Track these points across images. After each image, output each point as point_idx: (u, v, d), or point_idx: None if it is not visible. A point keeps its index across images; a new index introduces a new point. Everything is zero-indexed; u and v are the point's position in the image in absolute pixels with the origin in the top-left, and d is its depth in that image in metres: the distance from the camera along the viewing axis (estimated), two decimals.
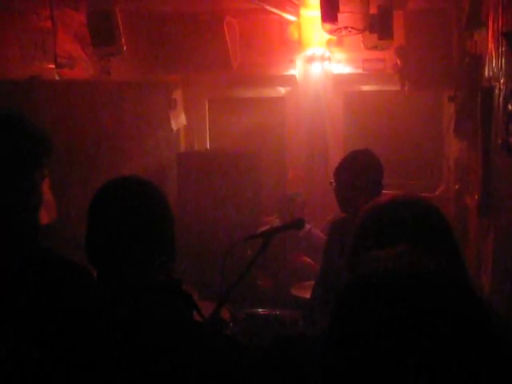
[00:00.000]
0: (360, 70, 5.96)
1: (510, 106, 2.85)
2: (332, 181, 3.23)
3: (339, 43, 5.96)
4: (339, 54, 6.04)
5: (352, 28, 4.24)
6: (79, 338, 1.58)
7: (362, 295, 1.01)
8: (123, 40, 4.61)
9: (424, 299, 0.97)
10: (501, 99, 3.25)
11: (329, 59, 6.01)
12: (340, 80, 6.09)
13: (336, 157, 5.62)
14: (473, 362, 0.95)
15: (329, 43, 5.96)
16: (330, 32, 4.38)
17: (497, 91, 3.42)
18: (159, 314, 1.61)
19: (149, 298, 1.63)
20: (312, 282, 3.90)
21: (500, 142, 3.06)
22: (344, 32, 4.22)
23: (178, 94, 6.24)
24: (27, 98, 4.19)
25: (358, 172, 3.13)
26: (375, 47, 4.73)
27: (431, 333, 0.94)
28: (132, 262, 1.69)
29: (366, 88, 6.16)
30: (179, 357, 1.55)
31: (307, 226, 5.00)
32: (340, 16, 4.02)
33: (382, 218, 1.52)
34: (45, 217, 3.88)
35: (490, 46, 3.65)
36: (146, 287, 1.65)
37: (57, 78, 4.69)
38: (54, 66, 4.66)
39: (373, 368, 0.96)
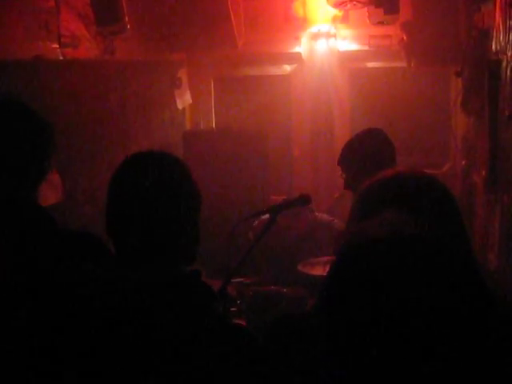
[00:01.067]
0: (366, 47, 5.90)
1: None
2: (341, 173, 3.18)
3: (345, 20, 5.90)
4: (345, 31, 5.98)
5: (357, 1, 4.18)
6: (92, 329, 1.54)
7: (354, 262, 1.01)
8: (127, 18, 4.57)
9: (408, 262, 0.96)
10: (508, 72, 3.21)
11: (334, 36, 5.94)
12: (346, 57, 6.03)
13: (342, 134, 5.63)
14: (466, 322, 0.94)
15: (334, 20, 5.89)
16: (335, 5, 4.33)
17: (504, 64, 3.38)
18: (177, 308, 1.56)
19: (168, 291, 1.58)
20: (319, 259, 3.91)
21: (507, 114, 3.03)
22: (349, 5, 4.17)
23: (183, 73, 6.20)
24: (31, 77, 4.17)
25: (366, 156, 3.06)
26: (381, 22, 4.68)
27: (423, 295, 0.93)
28: (153, 243, 1.63)
29: (372, 65, 6.10)
30: (195, 352, 1.51)
31: (310, 206, 4.96)
32: None
33: (381, 190, 1.51)
34: (52, 197, 3.88)
35: (498, 18, 3.60)
36: (165, 279, 1.60)
37: (60, 57, 4.67)
38: (57, 46, 4.63)
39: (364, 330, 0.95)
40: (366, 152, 3.09)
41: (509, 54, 3.26)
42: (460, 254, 1.01)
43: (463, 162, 5.05)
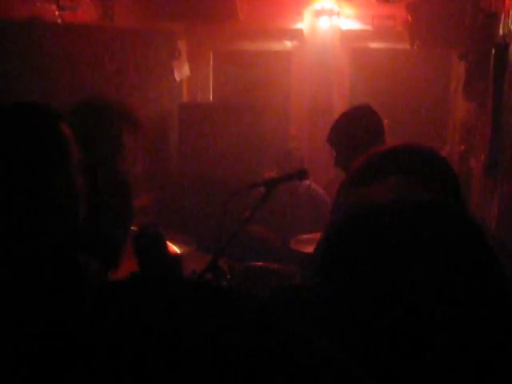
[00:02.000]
0: (369, 27, 5.83)
1: None
2: (332, 151, 3.14)
3: None
4: (348, 10, 5.90)
5: None
6: None
7: (356, 229, 0.95)
8: None
9: (418, 228, 0.91)
10: None
11: (338, 14, 5.86)
12: (348, 36, 5.96)
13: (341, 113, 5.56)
14: (472, 285, 0.89)
15: None
16: None
17: None
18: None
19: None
20: (311, 236, 3.87)
21: None
22: None
23: (182, 44, 6.11)
24: (27, 38, 4.09)
25: (357, 131, 3.03)
26: (387, 1, 4.61)
27: (430, 261, 0.88)
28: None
29: (374, 45, 6.03)
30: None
31: (306, 182, 4.93)
32: None
33: (384, 160, 1.46)
34: None
35: (508, 2, 3.54)
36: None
37: (58, 20, 4.58)
38: (55, 8, 4.54)
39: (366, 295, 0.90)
40: (354, 128, 3.04)
41: None
42: (469, 221, 0.95)
43: (461, 147, 5.00)
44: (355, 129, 3.03)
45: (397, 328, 0.89)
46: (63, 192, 1.42)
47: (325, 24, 5.92)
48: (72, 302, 1.31)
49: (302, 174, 3.01)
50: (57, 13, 4.56)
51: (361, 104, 3.25)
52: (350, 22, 5.92)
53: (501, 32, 3.74)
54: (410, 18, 5.10)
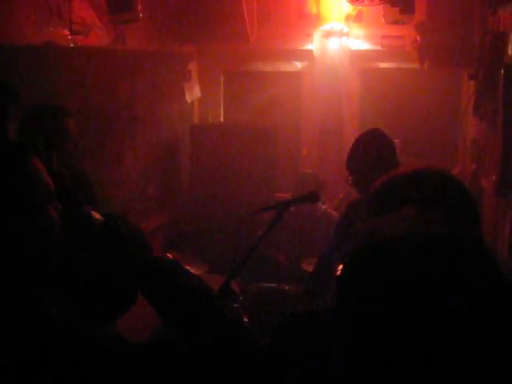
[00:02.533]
0: (378, 47, 5.87)
1: None
2: (347, 175, 3.20)
3: (358, 19, 5.86)
4: (357, 30, 5.94)
5: None
6: None
7: (372, 262, 0.96)
8: (139, 7, 4.54)
9: (434, 263, 0.92)
10: None
11: (347, 35, 5.91)
12: (358, 56, 6.00)
13: (351, 134, 5.57)
14: (485, 318, 0.90)
15: (347, 18, 5.85)
16: (352, 1, 4.30)
17: None
18: None
19: None
20: None
21: None
22: (366, 2, 4.13)
23: (193, 66, 6.17)
24: (41, 63, 4.14)
25: (370, 156, 3.11)
26: (396, 21, 4.65)
27: (445, 298, 0.89)
28: None
29: (383, 65, 6.06)
30: None
31: (322, 207, 4.97)
32: None
33: (401, 186, 1.46)
34: None
35: None
36: None
37: (71, 45, 4.63)
38: (68, 33, 4.59)
39: (385, 335, 0.91)
40: (367, 153, 3.13)
41: None
42: (486, 257, 0.96)
43: (473, 166, 5.00)
44: (368, 153, 3.11)
45: (410, 360, 0.90)
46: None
47: (334, 44, 5.96)
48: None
49: (313, 197, 3.04)
50: (70, 37, 4.62)
51: (371, 128, 3.31)
52: (359, 42, 5.96)
53: (509, 52, 3.76)
54: (418, 38, 5.13)
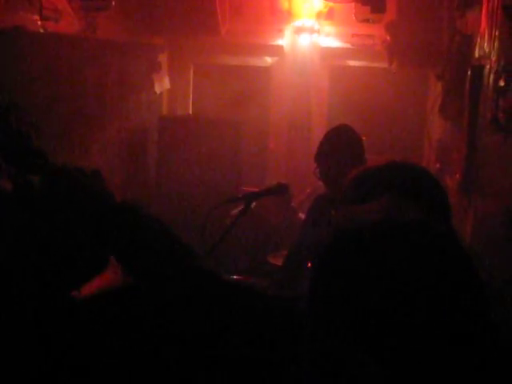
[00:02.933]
0: (348, 45, 5.93)
1: (501, 82, 2.84)
2: (315, 167, 3.22)
3: (329, 16, 5.91)
4: (328, 28, 5.99)
5: None
6: None
7: (347, 250, 0.98)
8: None
9: (408, 248, 0.94)
10: (491, 76, 3.24)
11: (318, 32, 5.95)
12: (327, 53, 6.05)
13: (319, 130, 5.62)
14: (457, 309, 0.93)
15: (319, 16, 5.90)
16: None
17: (487, 69, 3.41)
18: None
19: None
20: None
21: (489, 117, 3.06)
22: None
23: (163, 57, 6.14)
24: (9, 47, 4.09)
25: (340, 150, 3.15)
26: (367, 20, 4.70)
27: (418, 285, 0.92)
28: None
29: (353, 63, 6.12)
30: None
31: (290, 201, 4.99)
32: None
33: (371, 176, 1.49)
34: None
35: (483, 24, 3.63)
36: None
37: (41, 30, 4.58)
38: (38, 18, 4.54)
39: (360, 322, 0.93)
40: (343, 146, 3.16)
41: (493, 59, 3.29)
42: (456, 242, 0.99)
43: (437, 165, 5.08)
44: (338, 148, 3.15)
45: (387, 341, 0.92)
46: None
47: (305, 41, 6.00)
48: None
49: (281, 189, 3.05)
50: (39, 23, 4.56)
51: (342, 124, 3.34)
52: (329, 39, 6.01)
53: (476, 54, 3.83)
54: (388, 37, 5.19)
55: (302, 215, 5.03)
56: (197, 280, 1.41)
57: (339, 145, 3.17)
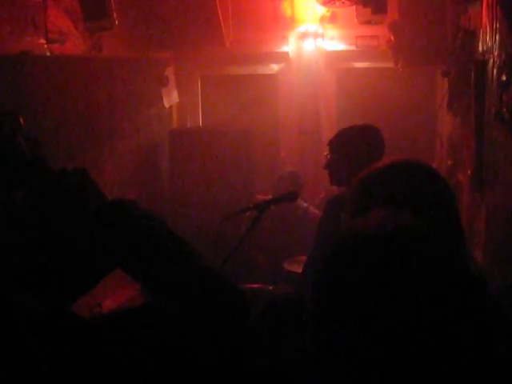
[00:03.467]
0: (353, 47, 5.94)
1: (503, 76, 2.84)
2: (327, 153, 3.20)
3: (332, 20, 5.92)
4: (332, 31, 6.00)
5: (346, 0, 4.20)
6: None
7: (341, 260, 1.01)
8: (115, 14, 4.56)
9: (398, 257, 0.96)
10: (495, 71, 3.24)
11: (322, 36, 5.97)
12: (333, 57, 6.06)
13: (329, 134, 5.62)
14: (458, 322, 0.94)
15: (322, 20, 5.91)
16: (324, 3, 4.35)
17: (490, 64, 3.41)
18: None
19: None
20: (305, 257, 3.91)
21: (494, 112, 3.06)
22: (337, 3, 4.18)
23: (170, 71, 6.20)
24: (18, 73, 4.14)
25: (360, 148, 3.09)
26: (368, 22, 4.70)
27: (411, 287, 0.93)
28: None
29: (358, 65, 6.13)
30: None
31: (304, 205, 5.01)
32: None
33: (376, 181, 1.50)
34: None
35: (485, 19, 3.63)
36: None
37: (47, 53, 4.64)
38: (44, 42, 4.60)
39: (362, 329, 0.95)
40: (363, 143, 3.11)
41: (495, 54, 3.28)
42: (447, 248, 1.01)
43: (449, 162, 5.07)
44: (364, 144, 3.09)
45: (382, 344, 0.94)
46: None
47: (310, 46, 6.02)
48: None
49: (291, 196, 3.07)
50: (46, 46, 4.63)
51: (370, 124, 3.29)
52: (334, 43, 6.02)
53: (480, 49, 3.82)
54: (392, 37, 5.19)
55: (314, 211, 5.04)
56: (208, 283, 1.34)
57: (357, 139, 3.12)
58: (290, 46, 6.13)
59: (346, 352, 0.97)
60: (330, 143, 3.19)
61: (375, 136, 3.18)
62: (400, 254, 0.97)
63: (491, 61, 3.42)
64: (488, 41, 3.54)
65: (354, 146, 3.10)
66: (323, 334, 1.01)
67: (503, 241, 3.12)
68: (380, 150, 3.16)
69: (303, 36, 6.00)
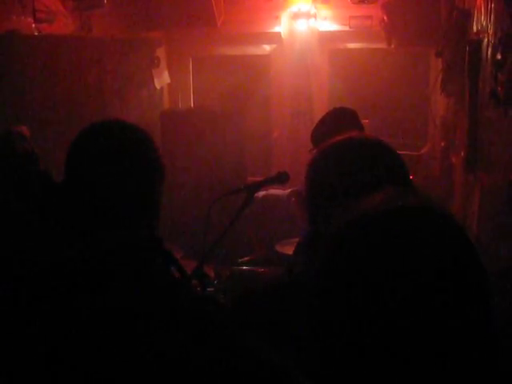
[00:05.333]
0: (346, 28, 5.87)
1: (498, 55, 2.80)
2: (311, 148, 3.19)
3: (325, 0, 5.86)
4: (325, 11, 5.93)
5: None
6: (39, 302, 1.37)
7: (353, 237, 0.96)
8: None
9: (412, 233, 0.93)
10: (489, 50, 3.20)
11: (315, 16, 5.90)
12: (326, 37, 6.00)
13: (321, 115, 5.58)
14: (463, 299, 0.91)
15: (315, 0, 5.84)
16: None
17: (485, 43, 3.37)
18: (133, 275, 1.41)
19: (124, 257, 1.43)
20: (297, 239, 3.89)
21: (488, 91, 3.02)
22: None
23: (161, 52, 6.13)
24: (5, 52, 4.09)
25: (334, 130, 3.09)
26: (362, 2, 4.65)
27: (422, 267, 0.90)
28: (112, 214, 1.50)
29: (352, 45, 6.07)
30: (152, 322, 1.35)
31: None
32: None
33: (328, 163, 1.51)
34: None
35: None
36: (122, 245, 1.45)
37: (35, 33, 4.57)
38: (32, 21, 4.53)
39: (370, 314, 0.92)
40: (335, 127, 3.11)
41: (490, 33, 3.24)
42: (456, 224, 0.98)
43: (442, 144, 5.04)
44: (333, 129, 3.09)
45: (390, 327, 0.91)
46: None
47: (302, 26, 5.95)
48: None
49: (282, 178, 3.04)
50: (34, 25, 4.55)
51: (341, 106, 3.30)
52: (327, 23, 5.95)
53: (474, 28, 3.78)
54: (385, 17, 5.14)
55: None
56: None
57: (333, 126, 3.12)
58: (282, 27, 6.05)
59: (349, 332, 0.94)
60: (312, 137, 3.19)
61: (351, 118, 3.18)
62: (414, 229, 0.94)
63: (486, 40, 3.38)
64: (483, 20, 3.50)
65: (335, 134, 3.09)
66: (328, 315, 0.97)
67: (496, 222, 3.10)
68: (358, 128, 3.17)
69: (296, 16, 5.92)
